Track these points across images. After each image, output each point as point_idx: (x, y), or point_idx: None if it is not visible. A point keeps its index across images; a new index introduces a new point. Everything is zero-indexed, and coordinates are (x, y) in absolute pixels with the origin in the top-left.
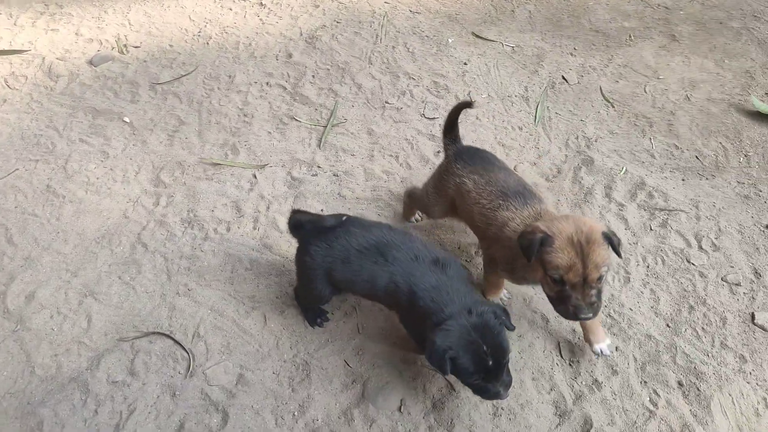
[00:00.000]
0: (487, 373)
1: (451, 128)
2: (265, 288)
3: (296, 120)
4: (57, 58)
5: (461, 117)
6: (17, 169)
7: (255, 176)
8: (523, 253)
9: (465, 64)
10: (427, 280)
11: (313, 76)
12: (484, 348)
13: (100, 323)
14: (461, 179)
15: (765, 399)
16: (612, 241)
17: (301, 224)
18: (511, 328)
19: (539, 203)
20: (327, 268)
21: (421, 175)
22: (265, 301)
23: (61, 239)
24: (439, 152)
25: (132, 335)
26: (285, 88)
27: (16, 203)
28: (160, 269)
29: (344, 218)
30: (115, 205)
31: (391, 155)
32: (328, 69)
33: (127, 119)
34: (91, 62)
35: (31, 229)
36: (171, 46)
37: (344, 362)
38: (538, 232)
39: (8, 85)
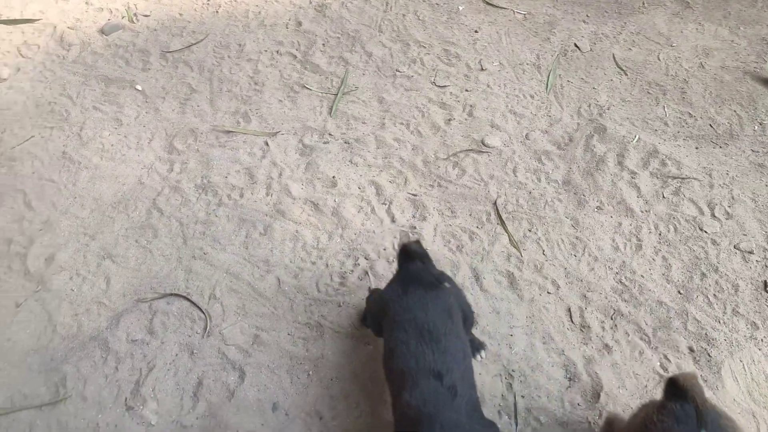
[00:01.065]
0: None
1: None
2: (278, 253)
3: (307, 88)
4: (68, 27)
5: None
6: (33, 136)
7: (267, 144)
8: None
9: (476, 32)
10: (437, 398)
11: (324, 45)
12: None
13: (118, 285)
14: None
15: None
16: None
17: (410, 255)
18: None
19: None
20: (380, 310)
21: (432, 144)
22: (279, 265)
23: (78, 204)
24: (450, 120)
25: (150, 296)
26: (295, 57)
27: (33, 169)
28: (175, 233)
29: (447, 285)
30: (130, 171)
31: (402, 123)
32: (339, 37)
33: (139, 87)
34: (102, 31)
35: (48, 194)
36: (180, 14)
37: (356, 324)
38: None
39: (21, 54)
